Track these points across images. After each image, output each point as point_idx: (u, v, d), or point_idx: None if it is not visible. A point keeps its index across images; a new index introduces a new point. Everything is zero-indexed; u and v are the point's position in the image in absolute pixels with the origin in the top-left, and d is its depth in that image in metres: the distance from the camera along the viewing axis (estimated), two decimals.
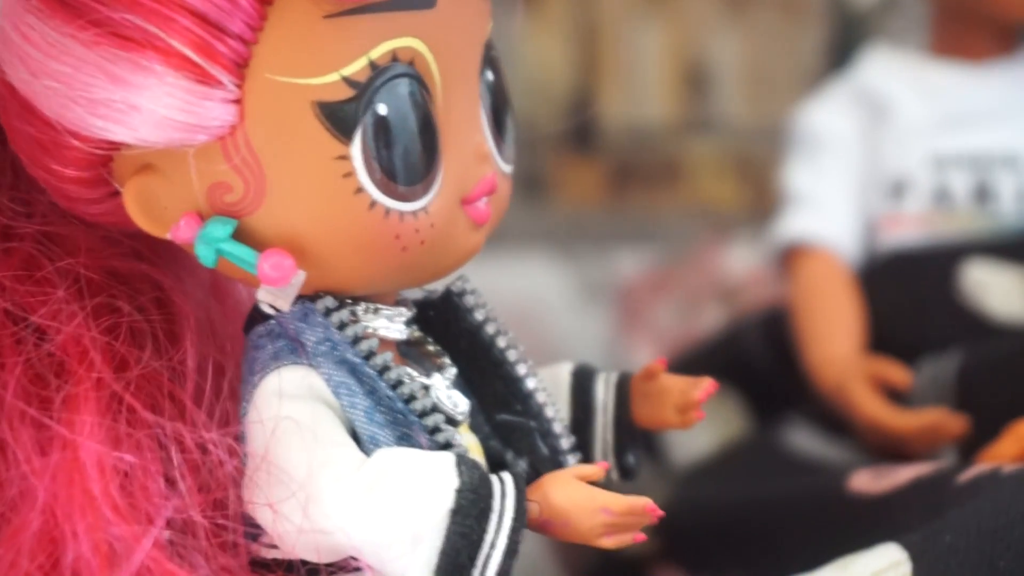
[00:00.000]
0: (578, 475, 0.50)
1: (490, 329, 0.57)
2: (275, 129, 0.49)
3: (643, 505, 0.50)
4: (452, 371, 0.55)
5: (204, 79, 0.48)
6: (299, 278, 0.50)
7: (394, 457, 0.49)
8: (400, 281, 0.53)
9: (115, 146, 0.50)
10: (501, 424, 0.57)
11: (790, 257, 0.92)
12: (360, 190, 0.50)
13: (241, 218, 0.50)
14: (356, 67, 0.49)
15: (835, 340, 0.87)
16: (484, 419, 0.57)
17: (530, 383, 0.56)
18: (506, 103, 0.54)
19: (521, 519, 0.49)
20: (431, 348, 0.56)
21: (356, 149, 0.49)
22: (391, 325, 0.53)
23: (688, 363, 0.92)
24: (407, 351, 0.55)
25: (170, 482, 0.51)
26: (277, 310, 0.52)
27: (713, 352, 0.99)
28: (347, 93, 0.49)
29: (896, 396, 0.83)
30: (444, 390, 0.54)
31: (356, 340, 0.51)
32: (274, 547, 0.51)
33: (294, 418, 0.49)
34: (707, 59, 1.52)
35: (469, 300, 0.57)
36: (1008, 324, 0.83)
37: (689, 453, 0.93)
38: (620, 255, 1.35)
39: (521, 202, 0.85)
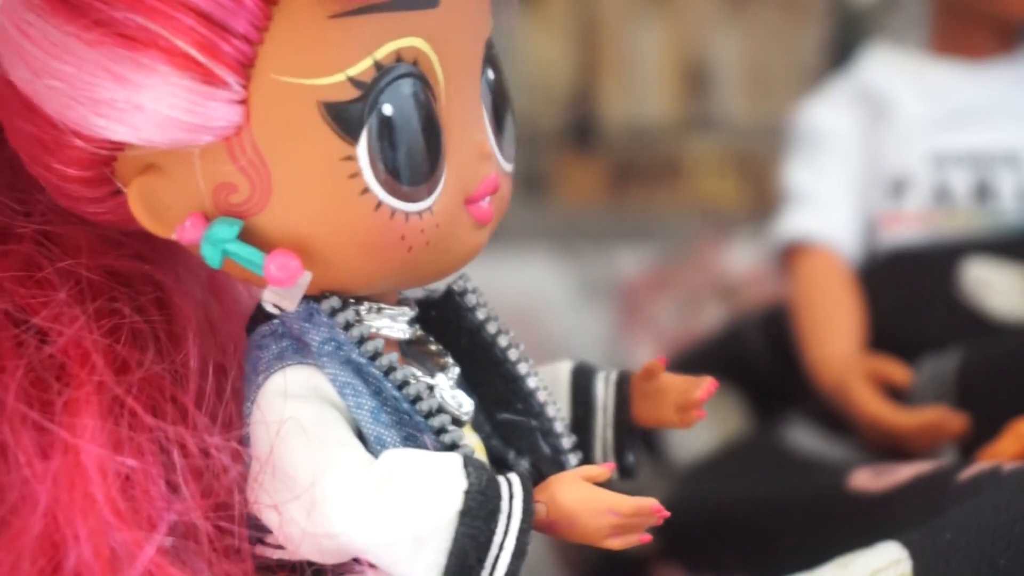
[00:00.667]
0: (585, 476, 0.50)
1: (491, 328, 0.56)
2: (281, 130, 0.49)
3: (650, 506, 0.50)
4: (455, 371, 0.55)
5: (209, 79, 0.48)
6: (305, 278, 0.50)
7: (402, 458, 0.49)
8: (404, 281, 0.53)
9: (118, 146, 0.50)
10: (502, 423, 0.57)
11: (790, 255, 0.92)
12: (366, 191, 0.49)
13: (247, 219, 0.50)
14: (361, 67, 0.49)
15: (835, 338, 0.87)
16: (485, 418, 0.56)
17: (531, 382, 0.56)
18: (507, 102, 0.54)
19: (529, 520, 0.49)
20: (433, 348, 0.55)
21: (362, 150, 0.49)
22: (394, 325, 0.53)
23: (688, 361, 0.92)
24: (409, 351, 0.54)
25: (172, 486, 0.50)
26: (281, 310, 0.52)
27: (713, 350, 0.99)
28: (353, 93, 0.49)
29: (896, 394, 0.83)
30: (448, 390, 0.54)
31: (361, 340, 0.51)
32: (280, 548, 0.51)
33: (299, 418, 0.49)
34: (707, 57, 1.52)
35: (470, 299, 0.57)
36: (1008, 322, 0.83)
37: (689, 451, 0.93)
38: (620, 253, 1.35)
39: (521, 200, 0.85)
